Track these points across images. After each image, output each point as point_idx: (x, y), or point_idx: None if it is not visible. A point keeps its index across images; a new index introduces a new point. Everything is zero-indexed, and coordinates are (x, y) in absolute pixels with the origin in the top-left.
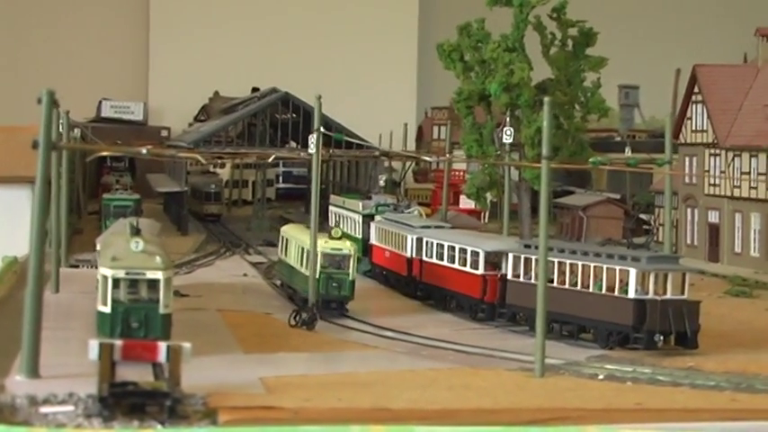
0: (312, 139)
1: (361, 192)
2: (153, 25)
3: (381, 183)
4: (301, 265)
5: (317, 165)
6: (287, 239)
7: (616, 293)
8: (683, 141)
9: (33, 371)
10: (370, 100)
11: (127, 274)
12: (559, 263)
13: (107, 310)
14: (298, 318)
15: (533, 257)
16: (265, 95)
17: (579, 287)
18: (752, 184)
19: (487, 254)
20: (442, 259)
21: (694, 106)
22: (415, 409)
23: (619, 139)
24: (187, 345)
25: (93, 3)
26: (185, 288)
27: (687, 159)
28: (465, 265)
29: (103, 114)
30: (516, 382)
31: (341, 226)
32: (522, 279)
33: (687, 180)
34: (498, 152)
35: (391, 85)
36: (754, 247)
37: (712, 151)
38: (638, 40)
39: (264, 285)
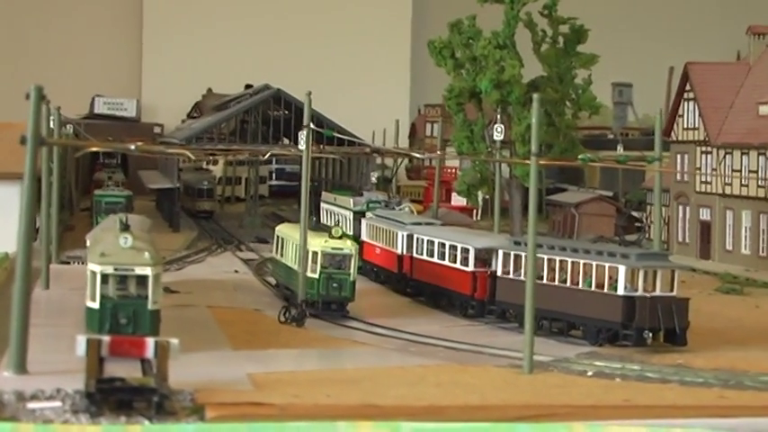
0: (302, 135)
1: (353, 188)
2: (146, 22)
3: (373, 180)
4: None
5: (307, 161)
6: (283, 239)
7: (605, 290)
8: (674, 139)
9: (21, 367)
10: (364, 97)
11: (115, 269)
12: (549, 260)
13: (96, 305)
14: (287, 314)
15: (523, 254)
16: (258, 92)
17: (569, 284)
18: (743, 182)
19: (477, 251)
20: (432, 256)
21: (686, 104)
22: (402, 405)
23: (612, 136)
24: (175, 341)
25: (86, 0)
26: (176, 285)
27: (679, 157)
28: (455, 261)
29: (96, 111)
30: (505, 378)
31: (331, 223)
32: (511, 276)
33: (679, 177)
34: (489, 149)
35: (385, 82)
36: (745, 245)
37: (704, 149)
38: (632, 38)
39: (255, 282)
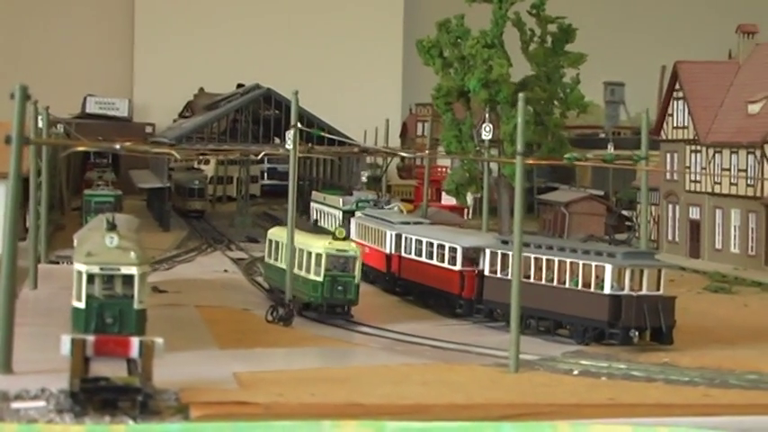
0: (289, 134)
1: (343, 188)
2: (138, 22)
3: (363, 179)
4: (300, 268)
5: (294, 160)
6: (277, 242)
7: (592, 289)
8: (664, 138)
9: (6, 366)
10: (356, 96)
11: (101, 269)
12: (536, 259)
13: (81, 305)
14: (275, 313)
15: (510, 253)
16: (248, 92)
17: (555, 283)
18: (732, 181)
19: (465, 250)
20: (420, 255)
21: (675, 103)
22: (387, 404)
23: (603, 135)
24: (159, 340)
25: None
26: (165, 284)
27: (668, 156)
28: (443, 260)
29: (88, 110)
30: (490, 377)
31: (321, 222)
32: (499, 275)
33: (668, 176)
34: (478, 148)
35: (376, 81)
36: (735, 244)
37: (693, 148)
38: (624, 37)
39: (244, 281)
